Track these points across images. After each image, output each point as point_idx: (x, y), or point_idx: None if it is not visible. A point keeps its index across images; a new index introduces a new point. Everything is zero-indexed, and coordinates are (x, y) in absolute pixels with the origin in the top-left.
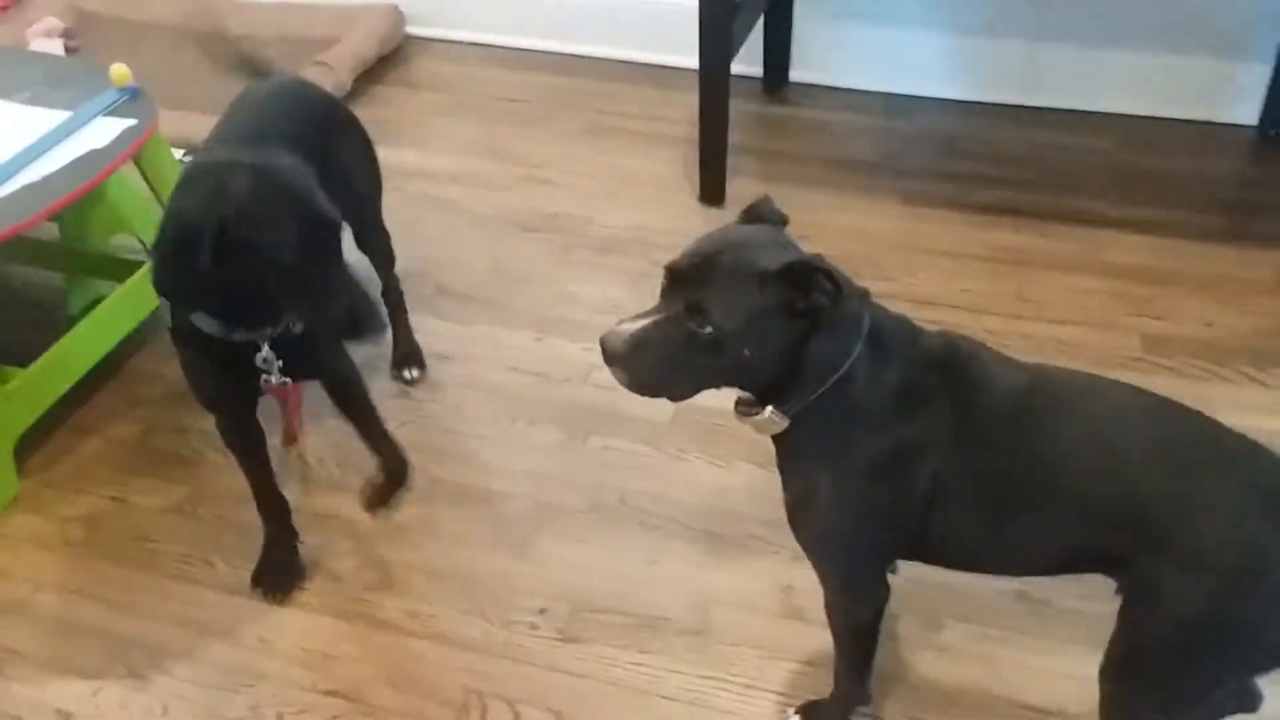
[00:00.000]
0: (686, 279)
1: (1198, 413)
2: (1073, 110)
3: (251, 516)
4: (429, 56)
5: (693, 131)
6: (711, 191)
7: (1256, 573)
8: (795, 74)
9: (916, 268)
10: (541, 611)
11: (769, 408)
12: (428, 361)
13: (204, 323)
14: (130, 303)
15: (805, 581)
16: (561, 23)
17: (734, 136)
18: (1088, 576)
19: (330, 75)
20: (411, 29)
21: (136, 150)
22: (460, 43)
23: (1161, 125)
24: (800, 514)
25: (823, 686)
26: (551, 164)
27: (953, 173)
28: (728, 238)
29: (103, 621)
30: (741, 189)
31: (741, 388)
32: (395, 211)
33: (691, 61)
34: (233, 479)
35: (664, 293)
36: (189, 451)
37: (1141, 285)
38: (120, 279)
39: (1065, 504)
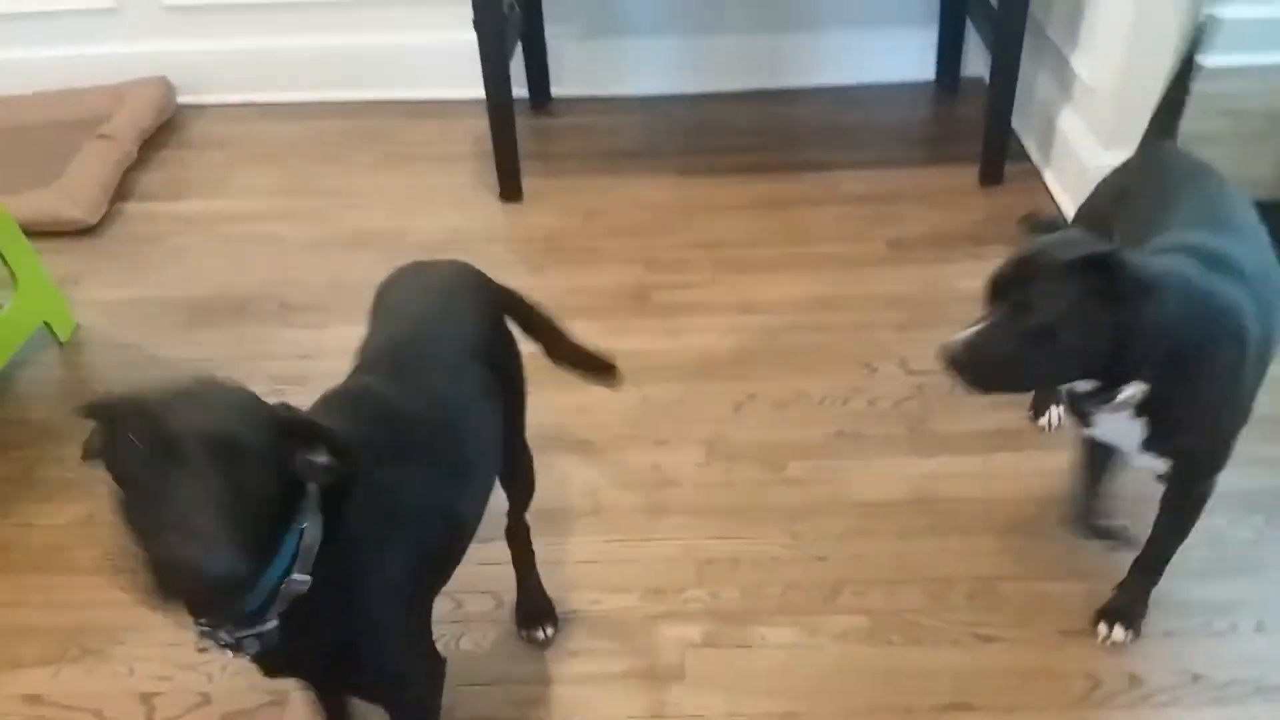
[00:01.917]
0: (1007, 285)
1: None
2: (790, 88)
3: None
4: (206, 120)
5: (478, 149)
6: (511, 191)
7: None
8: (556, 90)
9: (695, 222)
10: None
11: (1129, 386)
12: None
13: None
14: None
15: None
16: (329, 73)
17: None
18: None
19: (115, 146)
20: (183, 98)
21: None
22: (234, 104)
23: (860, 90)
24: (1204, 432)
25: None
26: (355, 193)
27: (709, 148)
28: (1035, 245)
29: (42, 620)
30: (534, 186)
31: (1082, 377)
32: (219, 252)
33: (461, 93)
34: None
35: (987, 302)
36: (76, 476)
37: (875, 205)
38: None
39: None
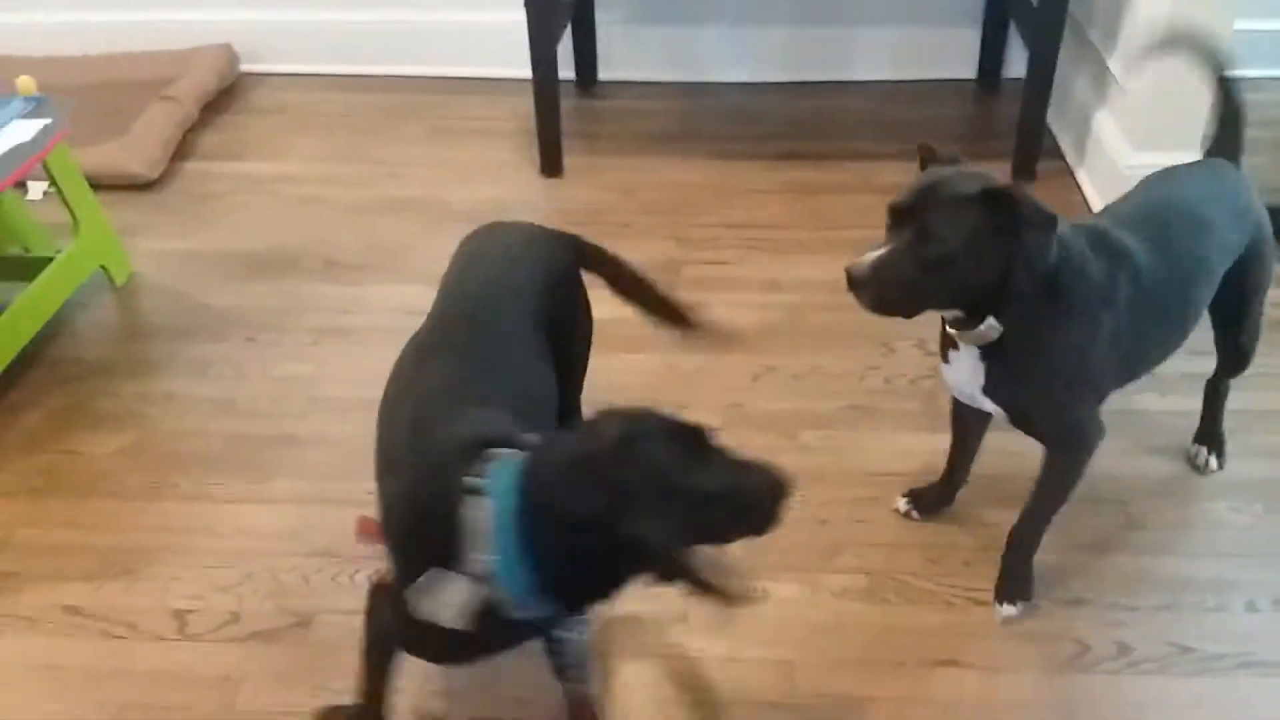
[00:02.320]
0: (909, 213)
1: None
2: (834, 81)
3: (202, 445)
4: (266, 88)
5: (522, 126)
6: (552, 166)
7: None
8: (603, 74)
9: (728, 204)
10: None
11: (989, 319)
12: (330, 322)
13: None
14: (43, 297)
15: None
16: (385, 48)
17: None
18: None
19: (178, 108)
20: (245, 67)
21: (54, 146)
22: (293, 74)
23: (904, 85)
24: (1024, 375)
25: None
26: (400, 162)
27: (745, 135)
28: (933, 177)
29: (87, 540)
30: (574, 163)
31: (960, 306)
32: (269, 211)
33: (509, 72)
34: (178, 421)
35: (890, 229)
36: (126, 410)
37: None
38: (28, 278)
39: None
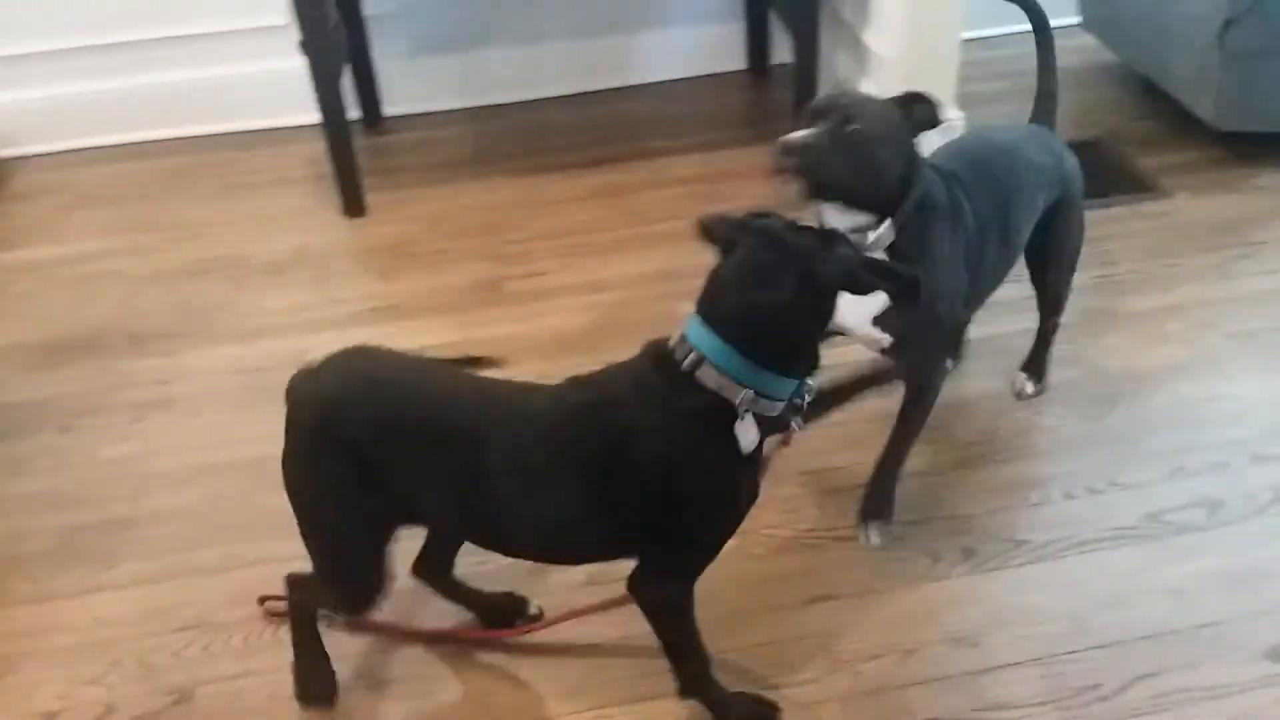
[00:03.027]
0: (829, 109)
1: None
2: (616, 87)
3: (36, 543)
4: (30, 170)
5: (316, 171)
6: (353, 206)
7: None
8: (388, 109)
9: (539, 217)
10: None
11: (886, 221)
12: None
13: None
14: None
15: None
16: (159, 111)
17: None
18: None
19: None
20: (2, 152)
21: None
22: (60, 152)
23: (681, 83)
24: (920, 308)
25: None
26: (196, 224)
27: (542, 148)
28: (844, 92)
29: None
30: (376, 200)
31: (867, 194)
32: (61, 294)
33: (294, 119)
34: (3, 524)
35: (810, 123)
36: None
37: (704, 185)
38: None
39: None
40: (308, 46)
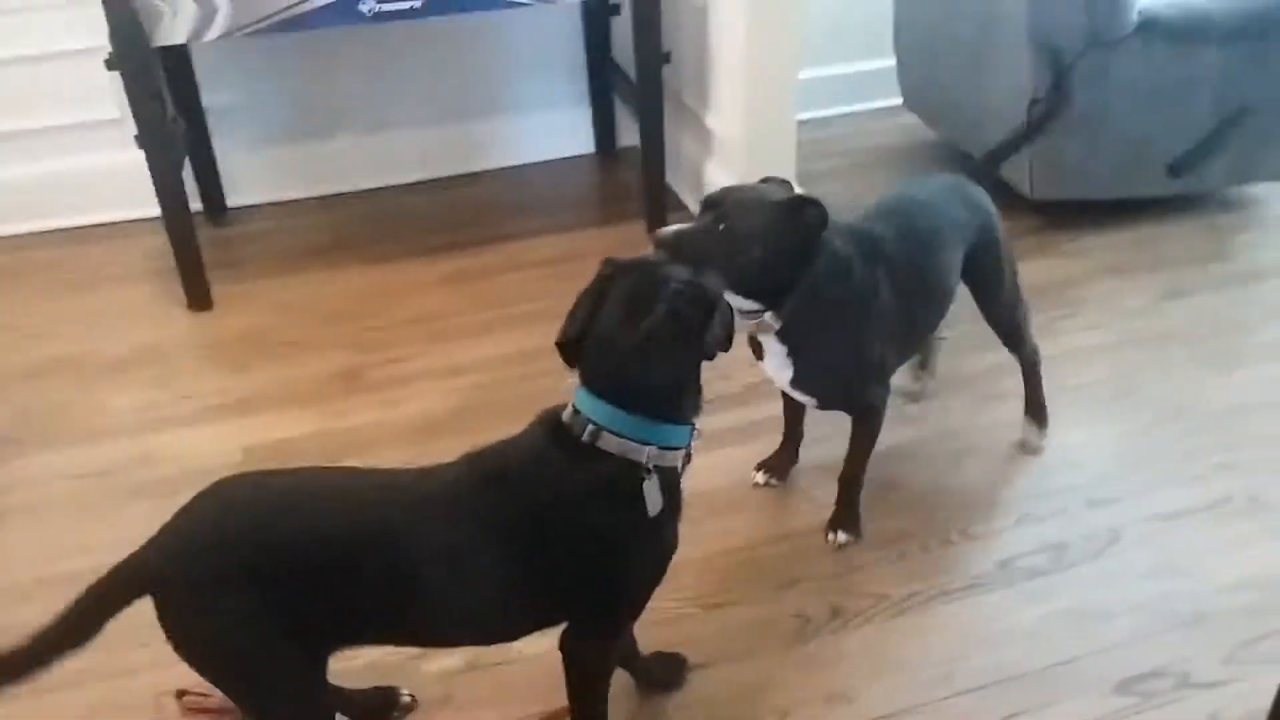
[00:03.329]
0: (715, 203)
1: None
2: (466, 173)
3: None
4: None
5: (158, 266)
6: (199, 299)
7: None
8: (232, 200)
9: (396, 303)
10: None
11: (768, 313)
12: None
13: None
14: None
15: None
16: None
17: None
18: None
19: None
20: None
21: None
22: None
23: (531, 167)
24: (822, 375)
25: None
26: (31, 324)
27: (397, 235)
28: (744, 186)
29: None
30: (223, 292)
31: (746, 290)
32: None
33: (131, 213)
34: None
35: (699, 217)
36: None
37: (559, 265)
38: None
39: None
40: (144, 140)
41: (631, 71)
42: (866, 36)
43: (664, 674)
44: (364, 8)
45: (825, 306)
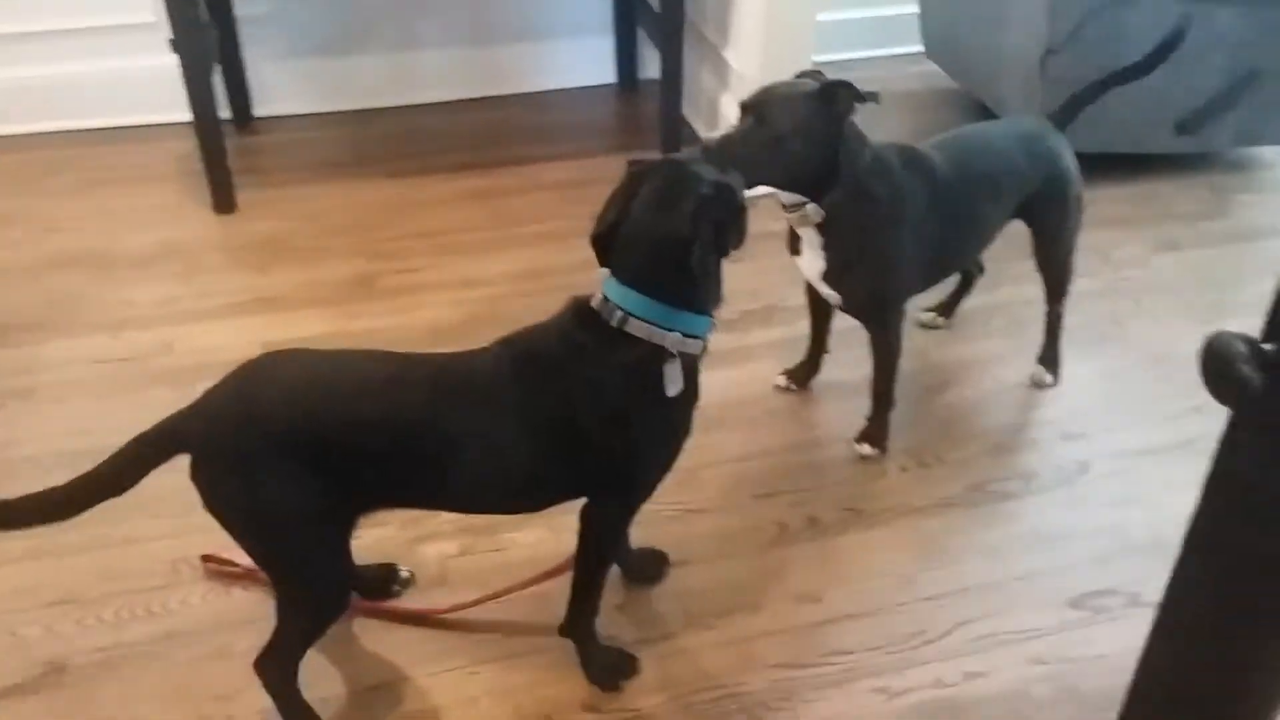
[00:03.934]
0: (754, 105)
1: None
2: (490, 96)
3: None
4: None
5: (184, 169)
6: (224, 202)
7: None
8: (259, 110)
9: (413, 217)
10: None
11: (810, 205)
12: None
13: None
14: None
15: None
16: (23, 105)
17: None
18: None
19: None
20: None
21: None
22: None
23: (553, 94)
24: (851, 272)
25: None
26: (57, 218)
27: (417, 152)
28: (778, 84)
29: None
30: (248, 198)
31: (791, 184)
32: None
33: (160, 117)
34: None
35: (739, 120)
36: None
37: (573, 190)
38: None
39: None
40: (179, 44)
41: (655, 1)
42: None
43: (648, 568)
44: None
45: (864, 203)
